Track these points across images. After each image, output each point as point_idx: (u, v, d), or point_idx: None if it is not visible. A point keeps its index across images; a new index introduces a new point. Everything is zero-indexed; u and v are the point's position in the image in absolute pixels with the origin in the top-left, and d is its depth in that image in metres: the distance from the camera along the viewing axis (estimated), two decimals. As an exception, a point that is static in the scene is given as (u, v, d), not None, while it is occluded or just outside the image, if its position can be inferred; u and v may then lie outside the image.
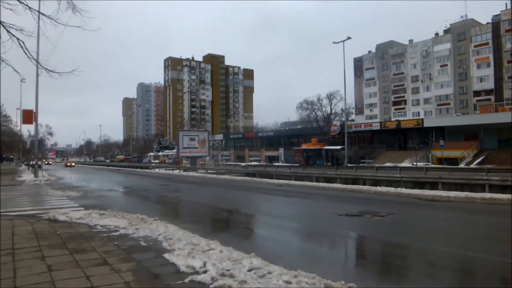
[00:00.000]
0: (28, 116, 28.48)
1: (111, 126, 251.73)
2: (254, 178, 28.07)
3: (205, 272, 5.22)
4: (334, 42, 49.64)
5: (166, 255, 6.14)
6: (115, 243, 7.19)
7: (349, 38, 47.91)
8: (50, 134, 69.92)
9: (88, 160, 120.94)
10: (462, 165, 40.12)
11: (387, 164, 41.73)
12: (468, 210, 13.23)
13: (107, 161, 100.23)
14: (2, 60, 7.08)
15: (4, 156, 77.49)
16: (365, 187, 20.45)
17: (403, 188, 19.16)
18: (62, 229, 8.79)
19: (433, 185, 19.79)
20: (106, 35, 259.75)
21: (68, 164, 77.24)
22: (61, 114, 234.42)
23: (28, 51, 7.52)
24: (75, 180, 31.21)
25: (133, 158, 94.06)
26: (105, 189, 22.11)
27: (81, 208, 13.13)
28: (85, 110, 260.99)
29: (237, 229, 10.40)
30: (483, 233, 9.36)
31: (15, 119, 55.16)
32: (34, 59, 8.11)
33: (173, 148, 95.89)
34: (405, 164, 43.31)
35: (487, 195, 16.01)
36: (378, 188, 19.61)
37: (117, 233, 8.19)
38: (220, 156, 74.52)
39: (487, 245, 7.94)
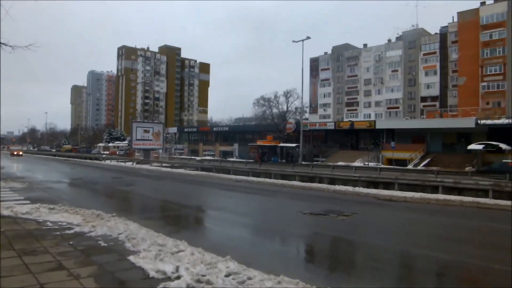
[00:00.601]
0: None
1: (58, 115, 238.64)
2: (211, 173, 27.47)
3: (178, 278, 4.73)
4: (293, 41, 49.78)
5: (131, 258, 5.56)
6: (70, 242, 6.48)
7: (308, 38, 48.27)
8: None
9: (32, 148, 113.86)
10: (410, 166, 41.77)
11: (340, 163, 42.63)
12: (425, 210, 13.56)
13: (53, 150, 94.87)
14: None
15: None
16: (324, 186, 20.57)
17: (361, 188, 19.47)
18: (6, 225, 7.88)
19: (387, 185, 20.37)
20: (56, 16, 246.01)
21: (15, 153, 68.60)
22: (3, 100, 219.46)
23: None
24: (18, 170, 29.01)
25: (82, 148, 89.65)
26: (52, 180, 20.62)
27: (26, 201, 12.05)
28: (31, 98, 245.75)
29: (201, 228, 9.92)
30: (447, 234, 9.49)
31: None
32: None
33: (124, 140, 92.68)
34: (357, 163, 44.49)
35: (441, 196, 16.58)
36: (337, 187, 19.78)
37: (71, 231, 7.44)
38: (174, 150, 72.88)
39: (463, 248, 8.02)
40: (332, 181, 22.21)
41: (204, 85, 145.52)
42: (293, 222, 10.78)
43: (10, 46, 7.30)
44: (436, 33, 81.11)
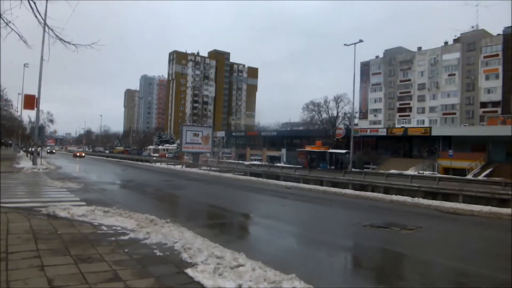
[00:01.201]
0: (30, 101, 27.38)
1: (111, 117, 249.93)
2: (260, 179, 27.08)
3: (241, 298, 4.24)
4: (345, 44, 48.48)
5: (189, 271, 5.15)
6: (126, 250, 6.20)
7: (361, 41, 46.87)
8: (51, 121, 67.29)
9: (87, 150, 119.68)
10: (470, 176, 39.27)
11: (392, 171, 40.83)
12: (498, 227, 12.29)
13: (106, 151, 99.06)
14: (5, 23, 6.06)
15: (2, 141, 76.40)
16: (380, 195, 19.48)
17: (420, 198, 18.24)
18: (63, 228, 7.80)
19: (447, 196, 18.97)
20: (112, 25, 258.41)
21: (78, 154, 68.84)
22: (62, 102, 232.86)
23: (39, 13, 6.51)
24: (74, 170, 30.17)
25: (133, 150, 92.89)
26: (106, 182, 21.08)
27: (82, 203, 12.14)
28: (87, 100, 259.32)
29: (257, 238, 9.37)
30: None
31: (16, 104, 54.12)
32: (45, 23, 7.06)
33: (173, 143, 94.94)
34: (411, 172, 42.44)
35: (514, 211, 15.04)
36: (394, 197, 18.63)
37: (126, 237, 7.20)
38: (221, 154, 73.44)
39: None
40: (387, 190, 21.13)
41: (252, 90, 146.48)
42: (353, 235, 10.04)
43: (73, 44, 7.19)
44: (498, 34, 76.31)
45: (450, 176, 34.02)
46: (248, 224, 10.97)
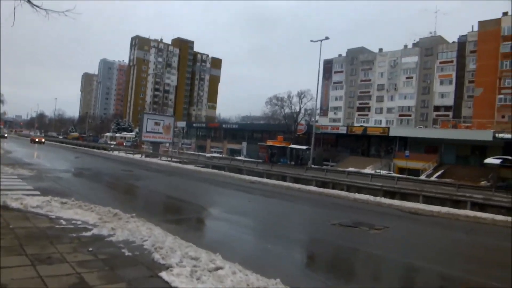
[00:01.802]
0: (-23, 79, 25.32)
1: (67, 101, 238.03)
2: (223, 172, 26.60)
3: (226, 308, 3.87)
4: (311, 41, 48.74)
5: (164, 275, 4.71)
6: (90, 249, 5.63)
7: (327, 38, 47.22)
8: (1, 102, 62.97)
9: (39, 134, 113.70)
10: (423, 177, 40.78)
11: (350, 169, 41.71)
12: (458, 228, 12.68)
13: (60, 137, 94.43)
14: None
15: None
16: (343, 193, 19.66)
17: (382, 198, 18.56)
18: (16, 221, 7.07)
19: (405, 196, 19.47)
20: (72, 4, 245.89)
21: (37, 140, 59.83)
22: (13, 83, 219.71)
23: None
24: (25, 155, 28.28)
25: (88, 137, 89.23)
26: (61, 169, 19.85)
27: (36, 192, 11.25)
28: (41, 82, 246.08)
29: (229, 237, 8.91)
30: (490, 257, 8.56)
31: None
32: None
33: (131, 131, 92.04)
34: (368, 170, 43.54)
35: (470, 213, 15.60)
36: (357, 195, 18.86)
37: (88, 233, 6.59)
38: (181, 144, 72.08)
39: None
40: (349, 188, 21.42)
41: (214, 81, 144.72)
42: (324, 233, 9.91)
43: (45, 9, 6.42)
44: (454, 42, 79.66)
45: (407, 176, 35.12)
46: (217, 220, 10.54)
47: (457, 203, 17.59)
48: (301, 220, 11.92)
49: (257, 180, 22.79)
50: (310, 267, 7.29)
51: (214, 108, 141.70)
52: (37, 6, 6.36)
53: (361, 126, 64.61)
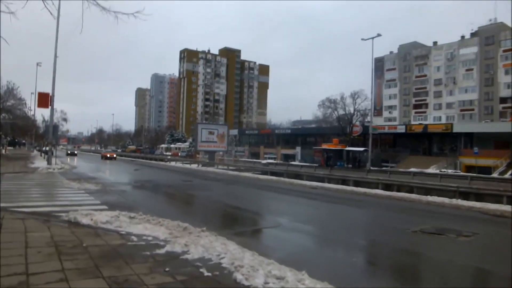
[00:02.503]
0: (44, 99, 26.66)
1: (123, 116, 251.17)
2: (282, 178, 25.98)
3: None
4: (362, 39, 47.03)
5: (253, 300, 4.12)
6: (167, 269, 5.18)
7: (379, 35, 45.36)
8: (65, 120, 66.43)
9: (99, 148, 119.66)
10: (495, 175, 37.78)
11: (412, 169, 39.59)
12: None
13: (118, 150, 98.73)
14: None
15: (16, 140, 76.24)
16: (414, 196, 18.30)
17: (459, 200, 17.02)
18: (88, 238, 6.83)
19: (481, 197, 17.80)
20: (122, 24, 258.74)
21: (108, 156, 56.45)
22: (74, 101, 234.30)
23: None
24: (89, 170, 29.37)
25: (145, 149, 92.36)
26: (124, 182, 20.20)
27: (103, 206, 11.22)
28: (98, 99, 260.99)
29: (308, 250, 8.19)
30: None
31: (29, 103, 53.63)
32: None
33: (185, 141, 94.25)
34: (432, 170, 41.14)
35: None
36: (430, 198, 17.43)
37: (162, 251, 6.18)
38: (234, 152, 72.50)
39: None
40: (416, 190, 20.02)
41: (263, 87, 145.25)
42: (409, 243, 8.92)
43: (114, 12, 6.15)
44: (519, 27, 74.01)
45: (478, 174, 32.50)
46: (289, 231, 9.82)
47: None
48: (378, 228, 10.95)
49: (318, 186, 21.92)
50: (409, 283, 6.40)
51: (264, 114, 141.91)
52: (106, 9, 6.07)
53: (420, 124, 61.54)
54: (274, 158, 63.89)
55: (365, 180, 22.79)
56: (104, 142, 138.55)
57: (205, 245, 6.53)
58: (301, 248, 8.18)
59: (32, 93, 46.46)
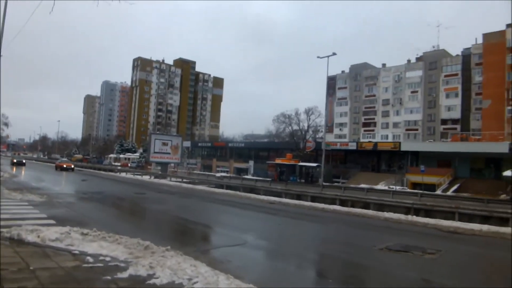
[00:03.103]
0: (-17, 102, 24.40)
1: (70, 124, 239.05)
2: (238, 192, 25.45)
3: None
4: (318, 57, 47.85)
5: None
6: (133, 298, 4.54)
7: (334, 53, 46.26)
8: (6, 124, 60.56)
9: (42, 156, 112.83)
10: (439, 192, 39.61)
11: (363, 185, 40.69)
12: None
13: (63, 159, 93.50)
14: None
15: None
16: (371, 212, 18.47)
17: (414, 216, 17.41)
18: (35, 259, 5.98)
19: (429, 213, 18.44)
20: (74, 26, 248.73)
21: (65, 166, 46.30)
22: (15, 105, 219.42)
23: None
24: (32, 179, 27.23)
25: (92, 158, 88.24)
26: (71, 193, 18.81)
27: (51, 221, 10.17)
28: (43, 104, 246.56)
29: (280, 271, 7.78)
30: None
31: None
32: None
33: (135, 151, 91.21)
34: (381, 186, 42.52)
35: (514, 230, 14.40)
36: (386, 214, 17.66)
37: (124, 275, 5.49)
38: (186, 164, 71.09)
39: None
40: (371, 206, 20.36)
41: (217, 100, 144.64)
42: (378, 262, 8.75)
43: None
44: (457, 55, 79.50)
45: (424, 191, 33.76)
46: (257, 249, 9.30)
47: (494, 220, 16.53)
48: (345, 245, 10.72)
49: (276, 200, 21.64)
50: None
51: (217, 127, 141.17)
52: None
53: (370, 141, 63.72)
54: (227, 172, 63.27)
55: (322, 195, 22.84)
56: (48, 149, 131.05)
57: (173, 267, 5.91)
58: (272, 268, 7.73)
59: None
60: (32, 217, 10.47)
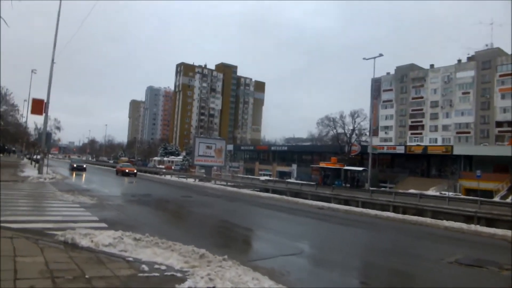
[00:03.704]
0: (38, 106, 25.42)
1: (116, 127, 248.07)
2: (285, 197, 24.85)
3: None
4: (364, 58, 46.81)
5: None
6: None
7: (381, 55, 45.18)
8: (58, 128, 63.55)
9: (90, 159, 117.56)
10: (497, 199, 37.11)
11: (411, 191, 38.90)
12: None
13: (110, 161, 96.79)
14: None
15: (6, 147, 74.17)
16: (430, 220, 17.27)
17: (478, 226, 16.07)
18: (90, 266, 5.69)
19: (490, 223, 16.94)
20: (120, 35, 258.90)
21: (127, 171, 40.35)
22: (66, 110, 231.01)
23: None
24: (82, 181, 28.01)
25: (137, 161, 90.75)
26: (121, 196, 18.94)
27: (102, 224, 10.04)
28: (92, 109, 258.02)
29: (347, 285, 7.16)
30: None
31: (22, 110, 52.10)
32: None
33: (178, 155, 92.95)
34: (432, 192, 40.41)
35: None
36: (446, 223, 16.43)
37: (183, 286, 5.06)
38: (229, 167, 71.33)
39: None
40: (420, 213, 19.17)
41: (258, 104, 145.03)
42: (450, 276, 7.89)
43: None
44: (514, 53, 74.73)
45: (486, 199, 31.59)
46: (315, 260, 8.63)
47: None
48: (409, 257, 9.83)
49: (325, 206, 20.83)
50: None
51: (259, 130, 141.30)
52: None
53: (418, 145, 61.12)
54: (270, 175, 62.84)
55: (373, 201, 21.80)
56: (96, 152, 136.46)
57: (234, 280, 5.42)
58: (335, 283, 7.06)
59: (25, 100, 45.21)
60: (84, 220, 10.39)
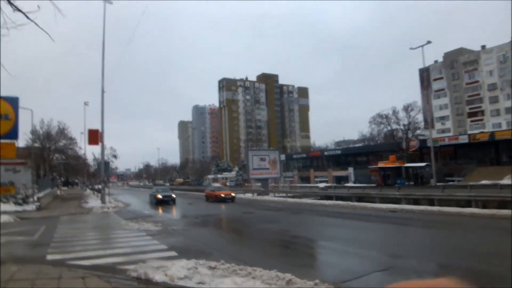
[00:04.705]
0: (94, 136, 26.10)
1: (167, 150, 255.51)
2: (350, 202, 23.53)
3: None
4: (411, 48, 44.63)
5: None
6: None
7: (429, 42, 42.74)
8: (115, 156, 65.80)
9: (147, 183, 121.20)
10: None
11: (484, 182, 35.92)
12: None
13: (166, 184, 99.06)
14: None
15: (70, 180, 78.10)
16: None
17: None
18: (170, 307, 5.04)
19: None
20: (163, 59, 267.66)
21: (223, 195, 31.94)
22: (118, 138, 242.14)
23: None
24: (143, 206, 28.22)
25: (192, 181, 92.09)
26: (183, 219, 18.59)
27: (172, 252, 9.50)
28: (142, 134, 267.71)
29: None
30: None
31: (79, 142, 54.48)
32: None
33: (231, 170, 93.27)
34: (507, 181, 37.04)
35: None
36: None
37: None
38: (283, 178, 70.31)
39: None
40: (503, 205, 17.07)
41: (304, 110, 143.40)
42: None
43: None
44: None
45: None
46: (424, 273, 7.60)
47: None
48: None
49: (397, 208, 19.32)
50: None
51: (308, 137, 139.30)
52: None
53: (482, 132, 57.07)
54: (326, 181, 61.12)
55: (447, 197, 19.95)
56: (152, 176, 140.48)
57: (338, 314, 4.53)
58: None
59: (81, 133, 47.13)
60: (153, 249, 9.91)
